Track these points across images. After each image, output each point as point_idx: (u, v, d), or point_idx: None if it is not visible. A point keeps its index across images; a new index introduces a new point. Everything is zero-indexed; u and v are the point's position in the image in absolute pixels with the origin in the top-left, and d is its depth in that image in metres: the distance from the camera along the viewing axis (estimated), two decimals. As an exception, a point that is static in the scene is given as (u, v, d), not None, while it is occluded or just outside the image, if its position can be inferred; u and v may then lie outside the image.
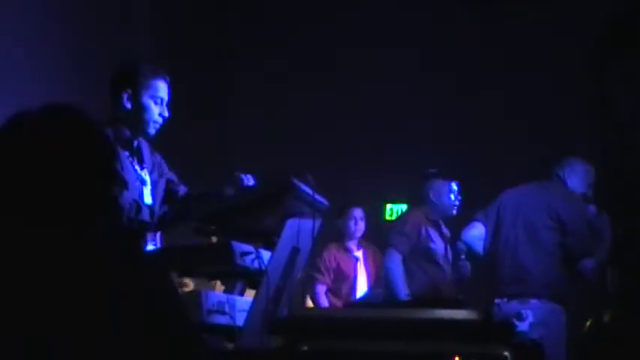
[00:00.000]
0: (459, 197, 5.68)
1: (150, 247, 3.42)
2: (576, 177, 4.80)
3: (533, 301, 4.37)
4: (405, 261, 5.46)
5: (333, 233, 6.53)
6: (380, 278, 6.48)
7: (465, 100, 7.57)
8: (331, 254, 6.65)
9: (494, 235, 4.79)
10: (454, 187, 5.69)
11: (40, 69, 5.53)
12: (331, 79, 7.96)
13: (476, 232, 5.06)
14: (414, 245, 5.50)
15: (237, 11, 8.22)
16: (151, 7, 7.16)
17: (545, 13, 7.26)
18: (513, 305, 4.38)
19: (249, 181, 3.43)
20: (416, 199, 5.89)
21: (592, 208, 4.77)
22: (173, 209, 3.60)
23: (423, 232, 5.54)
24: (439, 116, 7.65)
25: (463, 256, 5.19)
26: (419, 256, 5.50)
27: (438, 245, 5.57)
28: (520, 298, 4.40)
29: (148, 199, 3.49)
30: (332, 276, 6.63)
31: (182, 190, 3.66)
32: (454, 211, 5.67)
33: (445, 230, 5.67)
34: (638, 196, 4.42)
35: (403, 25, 7.86)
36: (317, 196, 3.22)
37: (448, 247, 5.64)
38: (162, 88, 3.49)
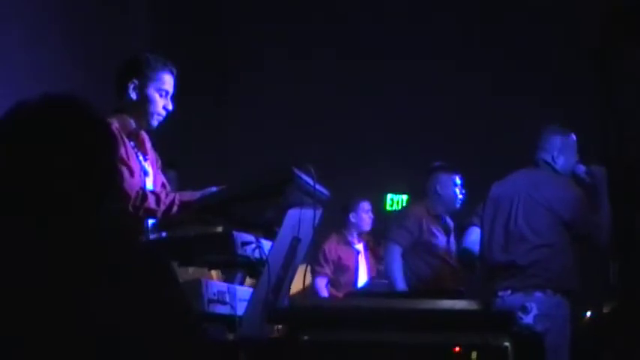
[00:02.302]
0: (463, 190, 5.68)
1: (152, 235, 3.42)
2: (564, 156, 4.65)
3: (538, 294, 4.33)
4: (408, 254, 5.48)
5: (332, 224, 6.53)
6: (380, 270, 6.49)
7: (466, 94, 7.57)
8: (332, 246, 6.65)
9: (489, 232, 4.71)
10: (458, 180, 5.69)
11: (39, 62, 5.52)
12: (331, 72, 7.96)
13: (474, 237, 5.02)
14: (415, 239, 5.51)
15: (237, 4, 8.22)
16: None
17: (548, 9, 7.26)
18: (518, 298, 4.35)
19: None
20: (417, 191, 5.88)
21: (581, 167, 4.63)
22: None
23: (424, 226, 5.55)
24: (439, 107, 7.65)
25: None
26: (421, 249, 5.52)
27: (440, 238, 5.58)
28: (524, 290, 4.36)
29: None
30: (332, 268, 6.62)
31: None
32: (458, 204, 5.67)
33: (449, 221, 5.67)
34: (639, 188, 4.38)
35: (403, 18, 7.87)
36: (318, 187, 3.22)
37: (452, 238, 5.64)
38: (168, 81, 3.47)
